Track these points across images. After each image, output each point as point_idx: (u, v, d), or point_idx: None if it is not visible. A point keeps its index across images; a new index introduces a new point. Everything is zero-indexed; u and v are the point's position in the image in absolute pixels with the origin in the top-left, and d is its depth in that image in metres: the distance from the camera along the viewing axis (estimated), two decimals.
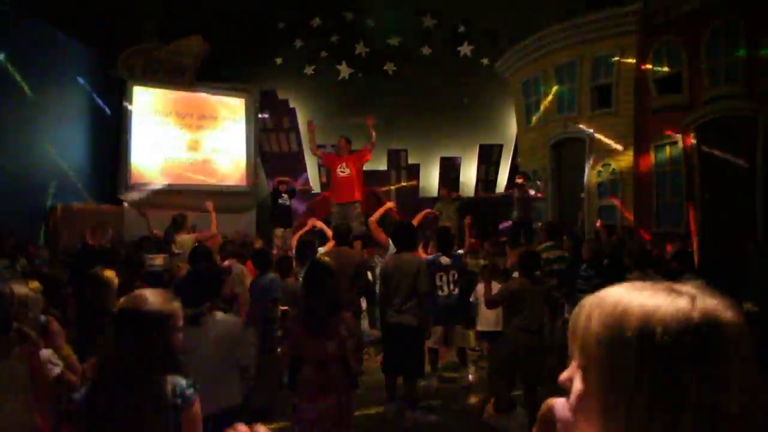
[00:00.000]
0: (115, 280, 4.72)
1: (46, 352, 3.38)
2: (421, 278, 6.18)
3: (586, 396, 1.06)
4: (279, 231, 11.82)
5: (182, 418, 2.35)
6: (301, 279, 5.50)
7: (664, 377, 0.96)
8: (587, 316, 1.07)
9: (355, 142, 11.29)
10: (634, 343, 0.98)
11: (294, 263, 7.90)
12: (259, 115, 16.68)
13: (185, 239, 9.19)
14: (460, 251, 7.86)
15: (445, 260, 7.44)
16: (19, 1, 11.21)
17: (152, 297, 2.37)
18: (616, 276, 9.01)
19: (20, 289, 3.34)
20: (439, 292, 7.37)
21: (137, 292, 2.41)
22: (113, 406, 2.21)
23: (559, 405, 1.95)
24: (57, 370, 3.36)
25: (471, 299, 8.07)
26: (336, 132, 15.64)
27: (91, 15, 13.12)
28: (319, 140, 16.87)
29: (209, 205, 9.54)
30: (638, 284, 1.07)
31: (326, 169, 11.00)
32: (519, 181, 12.35)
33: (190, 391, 2.37)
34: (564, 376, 1.12)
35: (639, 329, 0.98)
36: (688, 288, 1.03)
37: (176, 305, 2.45)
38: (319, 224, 8.54)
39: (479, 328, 8.08)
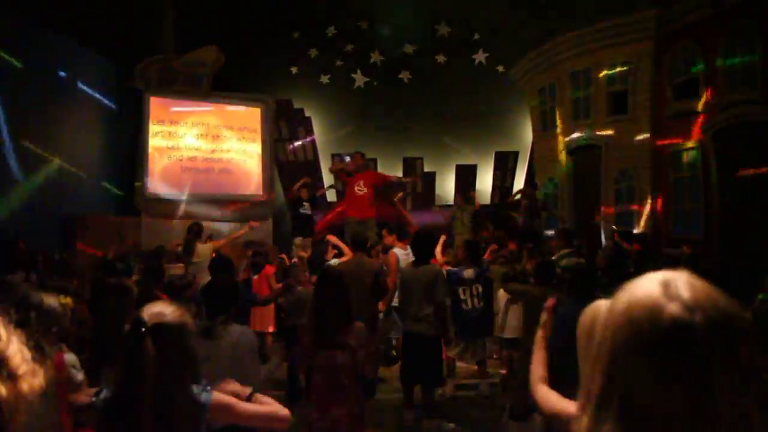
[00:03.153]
0: (134, 290, 4.75)
1: (71, 357, 3.40)
2: (437, 286, 6.17)
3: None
4: (298, 240, 11.82)
5: (211, 415, 2.38)
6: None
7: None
8: None
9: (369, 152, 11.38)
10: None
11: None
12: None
13: (203, 248, 9.25)
14: (484, 264, 7.84)
15: (468, 273, 7.41)
16: (35, 13, 11.34)
17: (167, 309, 2.38)
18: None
19: (48, 299, 3.34)
20: (463, 306, 7.33)
21: (150, 305, 2.41)
22: (139, 416, 2.22)
23: None
24: (80, 377, 3.38)
25: (494, 308, 8.09)
26: (351, 141, 15.74)
27: (107, 27, 13.24)
28: (334, 149, 17.02)
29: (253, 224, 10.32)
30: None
31: (344, 184, 11.22)
32: (529, 191, 12.60)
33: (205, 396, 2.39)
34: None
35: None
36: None
37: (188, 315, 2.45)
38: (335, 240, 8.57)
39: (504, 335, 8.04)
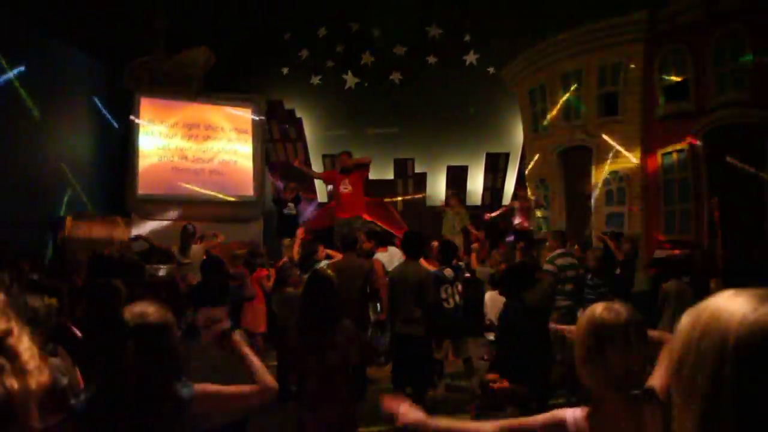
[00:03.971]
0: (123, 290, 4.72)
1: (55, 361, 3.35)
2: (427, 289, 6.16)
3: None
4: (287, 241, 11.80)
5: (197, 405, 2.36)
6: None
7: (740, 385, 0.93)
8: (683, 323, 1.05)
9: (360, 153, 11.34)
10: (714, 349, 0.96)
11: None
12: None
13: (195, 249, 9.24)
14: (461, 263, 7.88)
15: (448, 273, 7.44)
16: (25, 14, 11.28)
17: (150, 308, 2.35)
18: (627, 285, 9.06)
19: (33, 301, 3.30)
20: (446, 305, 7.34)
21: (135, 305, 2.38)
22: (122, 417, 2.20)
23: (570, 415, 1.94)
24: (65, 381, 3.33)
25: (485, 309, 8.10)
26: (342, 142, 15.70)
27: (97, 28, 13.18)
28: (325, 150, 17.03)
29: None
30: (734, 292, 1.02)
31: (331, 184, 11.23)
32: (520, 193, 12.75)
33: (186, 391, 2.37)
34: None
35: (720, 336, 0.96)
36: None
37: (171, 314, 2.43)
38: (324, 253, 8.64)
39: (490, 336, 8.05)
